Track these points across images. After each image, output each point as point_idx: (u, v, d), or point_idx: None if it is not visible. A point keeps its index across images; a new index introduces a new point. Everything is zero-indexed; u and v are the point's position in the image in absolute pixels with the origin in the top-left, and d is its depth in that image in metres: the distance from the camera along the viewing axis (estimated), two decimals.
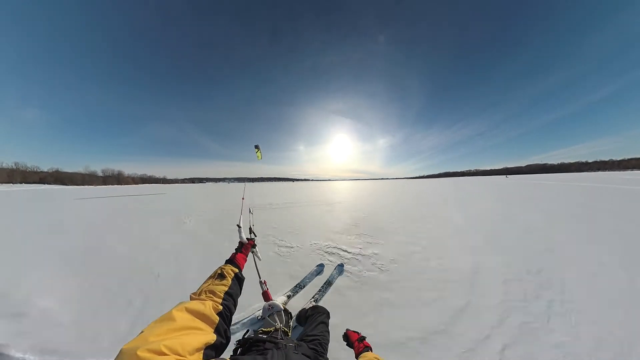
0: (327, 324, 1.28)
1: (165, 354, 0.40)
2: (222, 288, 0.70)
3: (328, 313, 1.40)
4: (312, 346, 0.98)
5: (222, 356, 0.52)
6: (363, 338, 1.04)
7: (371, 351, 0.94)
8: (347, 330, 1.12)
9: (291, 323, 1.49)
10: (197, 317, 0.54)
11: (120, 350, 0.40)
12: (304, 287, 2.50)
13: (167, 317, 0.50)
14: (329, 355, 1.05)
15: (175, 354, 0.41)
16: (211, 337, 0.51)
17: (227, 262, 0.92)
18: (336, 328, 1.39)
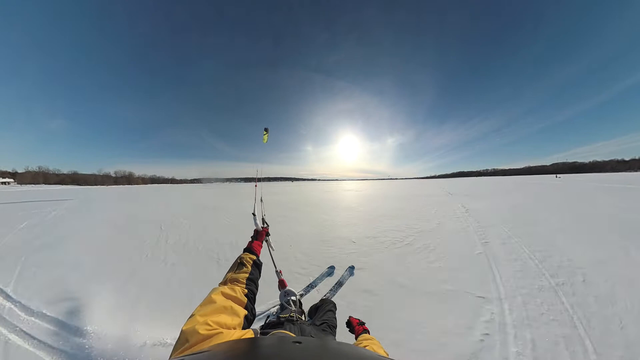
0: (334, 312, 1.52)
1: (215, 328, 0.54)
2: (243, 275, 0.84)
3: (335, 304, 1.64)
4: (322, 328, 1.20)
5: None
6: (363, 323, 1.20)
7: (368, 333, 1.07)
8: (350, 317, 1.29)
9: (303, 311, 1.70)
10: (230, 299, 0.69)
11: (182, 331, 0.53)
12: (315, 286, 2.79)
13: (209, 301, 0.65)
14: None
15: (222, 327, 0.56)
16: (244, 313, 0.69)
17: (245, 250, 1.04)
18: (341, 315, 1.59)
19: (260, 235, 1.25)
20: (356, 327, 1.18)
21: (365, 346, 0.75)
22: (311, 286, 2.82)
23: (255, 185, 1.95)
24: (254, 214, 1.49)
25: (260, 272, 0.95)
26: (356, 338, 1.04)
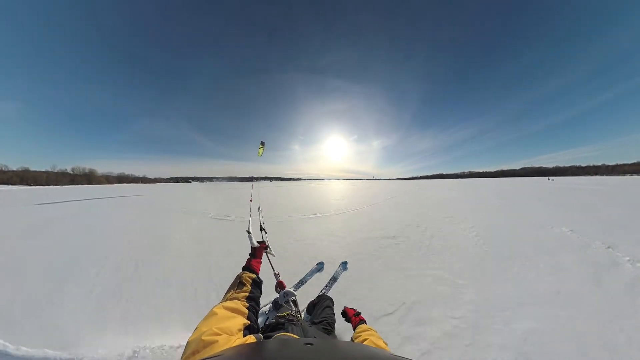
0: (332, 308, 1.53)
1: (219, 334, 0.57)
2: (243, 294, 0.85)
3: (332, 299, 1.66)
4: (322, 327, 1.22)
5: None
6: (359, 313, 1.20)
7: (365, 323, 1.08)
8: (345, 307, 1.29)
9: (301, 311, 1.73)
10: (232, 312, 0.72)
11: (188, 342, 0.56)
12: (305, 282, 2.63)
13: (211, 314, 0.69)
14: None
15: (225, 333, 0.59)
16: (246, 322, 0.70)
17: (244, 268, 1.04)
18: (336, 305, 1.62)
19: (259, 251, 1.24)
20: (352, 317, 1.19)
21: (365, 339, 0.80)
22: (301, 282, 2.65)
23: (251, 201, 1.97)
24: (248, 232, 1.44)
25: (261, 291, 0.95)
26: (354, 329, 1.06)
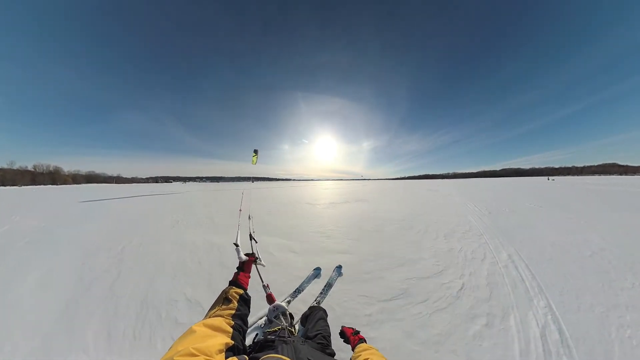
0: (325, 319, 1.49)
1: (195, 355, 0.52)
2: (229, 312, 0.79)
3: (325, 310, 1.62)
4: (317, 341, 1.16)
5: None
6: (357, 331, 1.16)
7: (365, 342, 1.05)
8: (343, 326, 1.26)
9: (295, 324, 1.68)
10: (213, 330, 0.67)
11: None
12: (302, 291, 2.64)
13: (189, 332, 0.63)
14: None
15: (203, 355, 0.53)
16: (229, 340, 0.64)
17: (231, 283, 0.98)
18: (332, 326, 1.52)
19: (247, 266, 1.18)
20: (351, 337, 1.13)
21: (365, 358, 0.75)
22: (298, 291, 2.65)
23: (240, 210, 1.98)
24: (236, 245, 1.39)
25: (249, 308, 0.91)
26: (353, 349, 1.00)
